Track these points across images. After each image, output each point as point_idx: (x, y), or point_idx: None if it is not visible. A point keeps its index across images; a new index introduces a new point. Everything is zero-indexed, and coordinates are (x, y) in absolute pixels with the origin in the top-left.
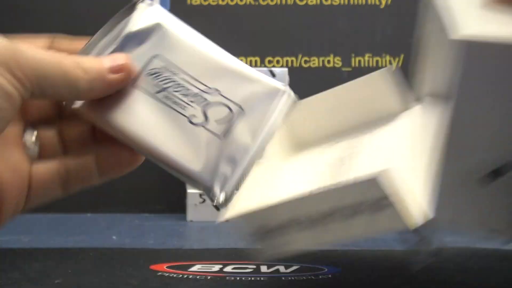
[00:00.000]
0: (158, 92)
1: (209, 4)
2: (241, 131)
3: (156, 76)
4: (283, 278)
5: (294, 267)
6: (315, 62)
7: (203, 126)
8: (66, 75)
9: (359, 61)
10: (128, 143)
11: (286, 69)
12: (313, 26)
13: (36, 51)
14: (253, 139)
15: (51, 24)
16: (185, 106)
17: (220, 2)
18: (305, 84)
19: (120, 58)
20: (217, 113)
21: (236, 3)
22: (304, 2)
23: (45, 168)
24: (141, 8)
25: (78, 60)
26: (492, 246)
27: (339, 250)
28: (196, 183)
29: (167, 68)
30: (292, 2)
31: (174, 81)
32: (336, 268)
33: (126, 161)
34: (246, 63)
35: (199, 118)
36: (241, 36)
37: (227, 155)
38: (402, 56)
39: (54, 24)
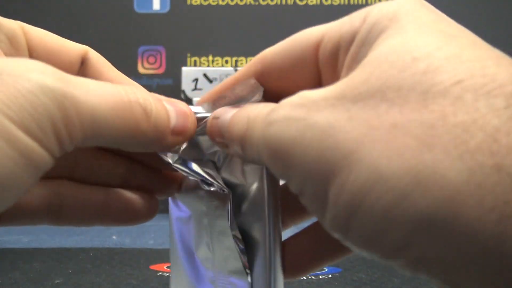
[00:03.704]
0: None
1: (209, 4)
2: None
3: None
4: None
5: None
6: None
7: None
8: (129, 128)
9: None
10: None
11: None
12: (313, 26)
13: (92, 94)
14: None
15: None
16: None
17: (220, 2)
18: None
19: (188, 116)
20: None
21: (236, 3)
22: (304, 2)
23: (37, 190)
24: None
25: (146, 106)
26: None
27: None
28: None
29: None
30: (292, 2)
31: None
32: (336, 268)
33: (139, 210)
34: (246, 63)
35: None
36: (241, 36)
37: None
38: None
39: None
